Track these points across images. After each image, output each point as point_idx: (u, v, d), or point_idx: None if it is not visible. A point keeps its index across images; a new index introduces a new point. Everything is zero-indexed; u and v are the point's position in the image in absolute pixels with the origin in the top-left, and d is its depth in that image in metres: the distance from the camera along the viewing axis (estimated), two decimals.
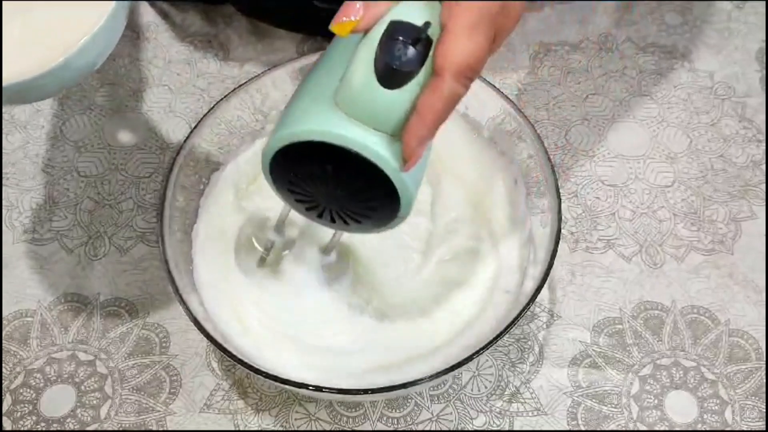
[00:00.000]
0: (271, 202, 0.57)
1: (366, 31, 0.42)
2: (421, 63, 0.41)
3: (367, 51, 0.42)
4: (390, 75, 0.41)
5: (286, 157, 0.45)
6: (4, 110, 0.73)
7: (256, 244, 0.60)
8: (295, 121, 0.44)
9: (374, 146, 0.43)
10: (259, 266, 0.59)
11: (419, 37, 0.41)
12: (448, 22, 0.41)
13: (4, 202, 0.68)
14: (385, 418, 0.57)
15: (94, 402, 0.58)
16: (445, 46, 0.41)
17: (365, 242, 0.60)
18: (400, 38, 0.41)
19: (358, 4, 0.42)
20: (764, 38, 0.78)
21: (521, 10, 0.44)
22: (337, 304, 0.58)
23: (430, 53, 0.41)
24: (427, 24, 0.42)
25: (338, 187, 0.46)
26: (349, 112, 0.43)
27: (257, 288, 0.58)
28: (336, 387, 0.50)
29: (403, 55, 0.41)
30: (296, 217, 0.54)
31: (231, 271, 0.59)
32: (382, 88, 0.42)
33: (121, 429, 0.57)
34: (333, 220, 0.49)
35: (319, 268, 0.59)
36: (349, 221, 0.48)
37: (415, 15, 0.42)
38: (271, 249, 0.59)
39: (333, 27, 0.43)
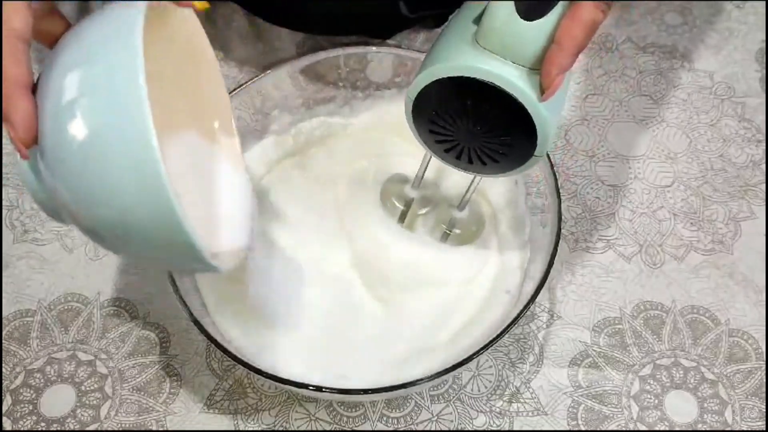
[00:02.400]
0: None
1: None
2: None
3: None
4: (530, 6, 0.42)
5: (429, 96, 0.46)
6: None
7: (395, 203, 0.61)
8: (437, 59, 0.45)
9: (512, 78, 0.43)
10: (398, 222, 0.60)
11: None
12: None
13: (4, 202, 0.68)
14: (385, 418, 0.57)
15: (94, 402, 0.58)
16: None
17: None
18: None
19: None
20: (764, 38, 0.78)
21: None
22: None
23: None
24: None
25: (478, 122, 0.46)
26: (489, 47, 0.44)
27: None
28: (336, 387, 0.50)
29: None
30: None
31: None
32: (522, 21, 0.42)
33: (121, 429, 0.57)
34: (471, 161, 0.50)
35: None
36: (487, 160, 0.49)
37: None
38: (411, 205, 0.60)
39: None
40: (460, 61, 0.44)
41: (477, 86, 0.44)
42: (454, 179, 0.61)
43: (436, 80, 0.45)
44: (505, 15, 0.43)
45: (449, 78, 0.45)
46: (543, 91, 0.43)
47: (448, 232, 0.60)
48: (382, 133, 0.65)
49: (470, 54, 0.44)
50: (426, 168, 0.57)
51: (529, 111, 0.44)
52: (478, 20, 0.45)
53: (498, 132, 0.47)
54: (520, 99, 0.44)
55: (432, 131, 0.49)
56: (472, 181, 0.56)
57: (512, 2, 0.42)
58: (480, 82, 0.44)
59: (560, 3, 0.42)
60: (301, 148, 0.66)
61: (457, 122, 0.47)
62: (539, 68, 0.43)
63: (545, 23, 0.42)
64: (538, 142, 0.46)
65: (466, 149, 0.49)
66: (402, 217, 0.60)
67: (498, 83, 0.44)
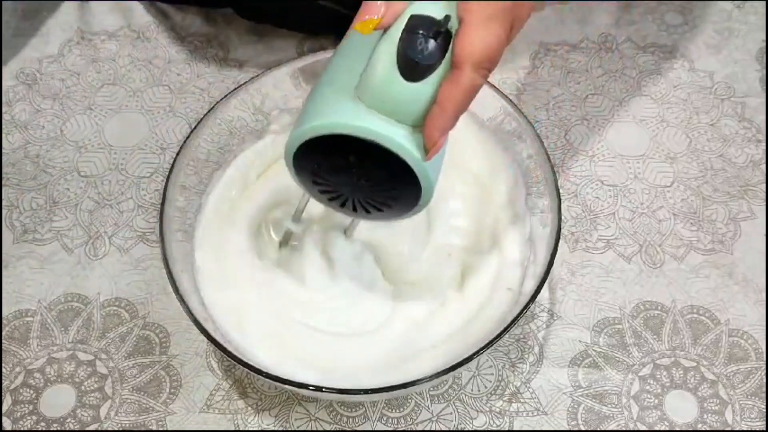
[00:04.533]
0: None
1: (386, 28, 0.44)
2: (442, 56, 0.42)
3: (389, 45, 0.43)
4: (412, 68, 0.42)
5: (309, 150, 0.46)
6: (4, 110, 0.74)
7: (272, 234, 0.60)
8: (319, 114, 0.45)
9: (397, 138, 0.44)
10: (280, 249, 0.60)
11: (440, 30, 0.42)
12: (465, 15, 0.42)
13: (4, 202, 0.68)
14: (385, 418, 0.57)
15: (94, 402, 0.58)
16: (463, 38, 0.42)
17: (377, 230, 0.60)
18: (421, 32, 0.42)
19: (380, 3, 0.43)
20: (764, 38, 0.78)
21: (534, 1, 0.45)
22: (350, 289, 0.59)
23: (450, 46, 0.42)
24: (447, 17, 0.42)
25: (361, 177, 0.47)
26: (371, 104, 0.44)
27: (268, 276, 0.59)
28: (336, 387, 0.50)
29: (424, 48, 0.42)
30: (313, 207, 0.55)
31: (238, 260, 0.59)
32: (404, 81, 0.43)
33: (121, 429, 0.57)
34: (355, 209, 0.50)
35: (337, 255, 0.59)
36: (371, 210, 0.49)
37: (434, 9, 0.43)
38: (290, 237, 0.59)
39: (356, 26, 0.44)
40: (341, 118, 0.44)
41: (360, 143, 0.44)
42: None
43: (320, 136, 0.45)
44: (385, 74, 0.43)
45: (331, 135, 0.44)
46: (426, 150, 0.44)
47: None
48: None
49: (353, 110, 0.44)
50: (306, 204, 0.56)
51: (413, 168, 0.45)
52: (357, 74, 0.44)
53: (382, 186, 0.47)
54: (405, 158, 0.44)
55: (315, 182, 0.49)
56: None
57: (394, 62, 0.42)
58: (364, 140, 0.44)
59: (442, 64, 0.43)
60: None
61: (341, 176, 0.47)
62: (421, 125, 0.43)
63: (427, 84, 0.43)
64: (422, 195, 0.46)
65: (350, 199, 0.49)
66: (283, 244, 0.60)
67: (382, 143, 0.44)
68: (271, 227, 0.61)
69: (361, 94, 0.44)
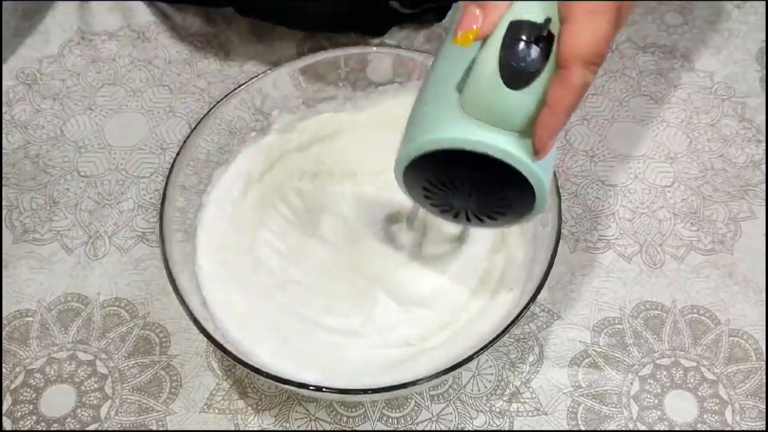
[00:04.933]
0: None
1: (486, 36, 0.43)
2: (546, 60, 0.41)
3: (490, 54, 0.42)
4: (516, 76, 0.41)
5: (419, 165, 0.46)
6: (4, 110, 0.74)
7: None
8: (428, 130, 0.44)
9: (508, 147, 0.43)
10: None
11: (541, 34, 0.41)
12: (568, 13, 0.41)
13: (4, 202, 0.68)
14: (385, 418, 0.57)
15: (94, 402, 0.58)
16: (568, 37, 0.41)
17: None
18: (523, 38, 0.41)
19: (477, 11, 0.42)
20: (764, 38, 0.78)
21: None
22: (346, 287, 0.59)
23: (553, 48, 0.41)
24: (548, 20, 0.42)
25: (473, 190, 0.46)
26: (478, 116, 0.43)
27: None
28: (336, 387, 0.50)
29: (527, 55, 0.41)
30: None
31: (239, 260, 0.60)
32: (509, 90, 0.42)
33: (121, 429, 0.57)
34: (469, 219, 0.50)
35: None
36: (485, 219, 0.49)
37: (533, 12, 0.42)
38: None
39: (457, 40, 0.43)
40: (449, 133, 0.43)
41: (470, 156, 0.43)
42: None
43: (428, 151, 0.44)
44: (490, 84, 0.42)
45: (438, 153, 0.44)
46: (536, 152, 0.43)
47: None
48: (386, 128, 0.65)
49: (459, 124, 0.43)
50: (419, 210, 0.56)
51: (526, 175, 0.44)
52: (461, 84, 0.44)
53: (495, 197, 0.46)
54: (516, 166, 0.43)
55: (426, 196, 0.49)
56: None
57: (497, 72, 0.42)
58: (474, 153, 0.43)
59: (547, 67, 0.41)
60: (307, 144, 0.65)
61: (453, 190, 0.47)
62: (529, 131, 0.43)
63: (532, 90, 0.42)
64: (536, 201, 0.46)
65: (463, 211, 0.49)
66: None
67: (492, 153, 0.43)
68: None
69: (467, 105, 0.43)
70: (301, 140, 0.65)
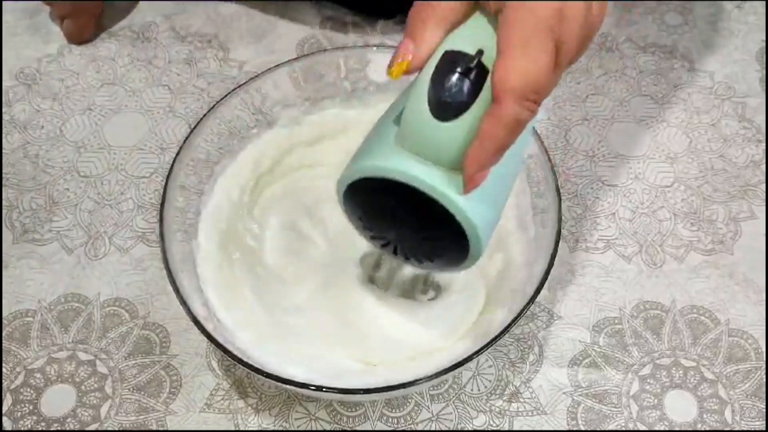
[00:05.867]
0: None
1: (418, 69, 0.42)
2: (475, 93, 0.40)
3: (421, 85, 0.41)
4: (444, 108, 0.40)
5: (354, 195, 0.45)
6: (3, 110, 0.74)
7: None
8: (358, 159, 0.44)
9: (428, 179, 0.41)
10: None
11: (470, 67, 0.40)
12: (502, 44, 0.39)
13: (4, 202, 0.68)
14: (385, 418, 0.57)
15: (94, 402, 0.58)
16: (500, 69, 0.39)
17: None
18: (454, 69, 0.40)
19: (411, 45, 0.41)
20: (764, 38, 0.78)
21: (586, 12, 0.40)
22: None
23: (487, 80, 0.40)
24: (480, 52, 0.40)
25: (404, 224, 0.45)
26: (409, 147, 0.42)
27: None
28: (336, 387, 0.50)
29: (454, 86, 0.40)
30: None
31: (241, 260, 0.60)
32: (437, 122, 0.41)
33: (121, 429, 0.57)
34: (407, 258, 0.49)
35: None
36: (422, 259, 0.48)
37: (468, 43, 0.41)
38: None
39: (389, 73, 0.42)
40: (375, 161, 0.43)
41: (401, 188, 0.42)
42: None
43: (362, 179, 0.44)
44: (420, 116, 0.41)
45: (373, 179, 0.43)
46: (464, 186, 0.41)
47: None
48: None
49: (388, 154, 0.42)
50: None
51: (453, 213, 0.42)
52: (398, 118, 0.43)
53: (426, 235, 0.45)
54: (440, 200, 0.42)
55: (365, 227, 0.48)
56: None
57: (426, 102, 0.40)
58: (404, 185, 0.42)
59: (481, 99, 0.40)
60: (315, 139, 0.65)
61: (386, 223, 0.46)
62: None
63: (462, 123, 0.41)
64: (470, 245, 0.44)
65: (400, 247, 0.48)
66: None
67: (415, 185, 0.42)
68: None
69: (400, 137, 0.43)
70: (311, 134, 0.65)
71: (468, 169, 0.40)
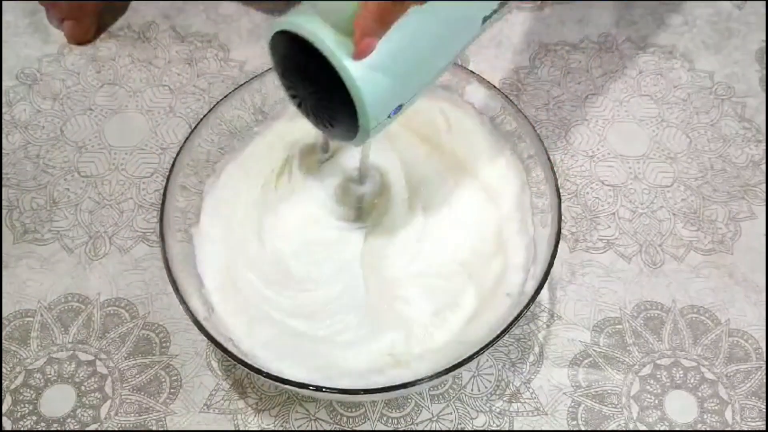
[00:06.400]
0: None
1: None
2: None
3: None
4: None
5: (277, 48, 0.47)
6: (4, 110, 0.74)
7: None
8: (286, 16, 0.46)
9: (325, 38, 0.43)
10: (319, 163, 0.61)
11: None
12: None
13: (4, 202, 0.68)
14: (385, 418, 0.57)
15: (94, 402, 0.58)
16: None
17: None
18: None
19: None
20: (764, 38, 0.78)
21: None
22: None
23: None
24: None
25: (309, 82, 0.47)
26: (321, 15, 0.44)
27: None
28: (336, 387, 0.50)
29: None
30: None
31: (243, 258, 0.60)
32: None
33: (121, 429, 0.57)
34: (315, 117, 0.50)
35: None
36: (325, 122, 0.50)
37: None
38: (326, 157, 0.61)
39: None
40: (291, 17, 0.45)
41: (309, 46, 0.44)
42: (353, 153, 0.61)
43: (281, 33, 0.45)
44: None
45: (288, 33, 0.45)
46: (355, 51, 0.43)
47: (359, 206, 0.61)
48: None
49: (303, 15, 0.44)
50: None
51: (340, 74, 0.44)
52: None
53: (324, 96, 0.47)
54: (331, 60, 0.44)
55: (285, 85, 0.50)
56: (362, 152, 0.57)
57: None
58: (309, 43, 0.44)
59: None
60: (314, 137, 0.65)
61: (296, 79, 0.48)
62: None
63: None
64: (357, 112, 0.46)
65: (309, 108, 0.50)
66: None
67: (313, 41, 0.43)
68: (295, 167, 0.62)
69: (318, 5, 0.44)
70: (311, 132, 0.65)
71: (356, 33, 0.42)
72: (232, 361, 0.51)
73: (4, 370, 0.59)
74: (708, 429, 0.57)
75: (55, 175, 0.69)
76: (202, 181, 0.61)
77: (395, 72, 0.46)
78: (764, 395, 0.58)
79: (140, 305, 0.62)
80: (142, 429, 0.57)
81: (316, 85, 0.47)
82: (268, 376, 0.50)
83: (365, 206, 0.61)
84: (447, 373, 0.49)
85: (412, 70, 0.47)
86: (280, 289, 0.58)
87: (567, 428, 0.57)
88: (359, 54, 0.43)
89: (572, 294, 0.63)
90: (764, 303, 0.62)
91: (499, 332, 0.50)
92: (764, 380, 0.59)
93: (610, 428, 0.57)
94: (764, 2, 0.80)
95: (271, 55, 0.49)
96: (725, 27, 0.78)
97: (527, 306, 0.52)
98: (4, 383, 0.59)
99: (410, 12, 0.44)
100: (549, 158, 0.57)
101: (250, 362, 0.51)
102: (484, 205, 0.61)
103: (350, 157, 0.62)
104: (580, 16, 0.79)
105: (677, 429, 0.57)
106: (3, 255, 0.65)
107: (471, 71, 0.62)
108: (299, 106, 0.51)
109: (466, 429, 0.57)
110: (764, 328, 0.61)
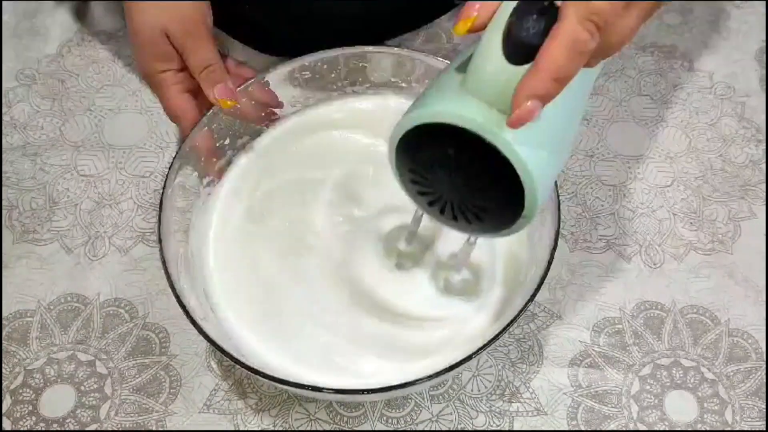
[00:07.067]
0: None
1: (484, 26, 0.41)
2: (547, 33, 0.39)
3: (494, 31, 0.40)
4: (517, 49, 0.39)
5: (408, 145, 0.44)
6: (3, 111, 0.74)
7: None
8: (418, 106, 0.43)
9: (490, 124, 0.40)
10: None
11: (546, 7, 0.39)
12: None
13: (4, 202, 0.68)
14: (385, 418, 0.57)
15: (94, 402, 0.58)
16: None
17: None
18: (528, 12, 0.39)
19: (477, 4, 0.41)
20: (764, 38, 0.78)
21: None
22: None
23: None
24: None
25: (458, 172, 0.44)
26: (475, 93, 0.41)
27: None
28: (336, 387, 0.50)
29: (531, 27, 0.39)
30: None
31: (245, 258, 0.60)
32: (509, 65, 0.40)
33: (120, 429, 0.57)
34: (455, 218, 0.47)
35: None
36: (471, 218, 0.46)
37: None
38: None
39: (455, 29, 0.42)
40: (439, 106, 0.41)
41: (460, 134, 0.41)
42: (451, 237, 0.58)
43: (418, 128, 0.42)
44: (490, 59, 0.40)
45: (431, 125, 0.42)
46: (511, 119, 0.39)
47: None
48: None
49: (452, 100, 0.41)
50: (419, 223, 0.54)
51: (512, 162, 0.41)
52: (463, 66, 0.42)
53: (480, 185, 0.44)
54: (493, 141, 0.40)
55: (413, 181, 0.47)
56: (467, 241, 0.53)
57: (499, 46, 0.40)
58: (461, 130, 0.41)
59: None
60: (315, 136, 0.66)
61: (438, 172, 0.45)
62: None
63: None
64: (525, 199, 0.42)
65: (449, 204, 0.47)
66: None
67: (469, 127, 0.40)
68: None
69: (467, 83, 0.41)
70: (313, 130, 0.65)
71: (518, 96, 0.38)
72: (232, 361, 0.50)
73: (3, 370, 0.59)
74: (708, 429, 0.57)
75: (55, 174, 0.69)
76: (202, 181, 0.61)
77: (554, 148, 0.43)
78: (764, 395, 0.58)
79: (140, 305, 0.62)
80: (142, 429, 0.57)
81: (465, 177, 0.44)
82: (268, 376, 0.50)
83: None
84: (447, 373, 0.49)
85: (563, 144, 0.44)
86: (285, 288, 0.58)
87: (567, 428, 0.57)
88: (517, 121, 0.39)
89: (572, 294, 0.63)
90: (764, 303, 0.62)
91: (498, 332, 0.50)
92: (764, 380, 0.59)
93: (610, 428, 0.57)
94: (764, 2, 0.80)
95: (395, 158, 0.46)
96: (725, 27, 0.78)
97: (527, 306, 0.52)
98: (4, 383, 0.59)
99: None
100: None
101: (249, 363, 0.51)
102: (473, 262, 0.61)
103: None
104: None
105: (677, 429, 0.57)
106: (3, 255, 0.65)
107: None
108: (432, 204, 0.47)
109: (466, 429, 0.57)
110: (764, 328, 0.61)
